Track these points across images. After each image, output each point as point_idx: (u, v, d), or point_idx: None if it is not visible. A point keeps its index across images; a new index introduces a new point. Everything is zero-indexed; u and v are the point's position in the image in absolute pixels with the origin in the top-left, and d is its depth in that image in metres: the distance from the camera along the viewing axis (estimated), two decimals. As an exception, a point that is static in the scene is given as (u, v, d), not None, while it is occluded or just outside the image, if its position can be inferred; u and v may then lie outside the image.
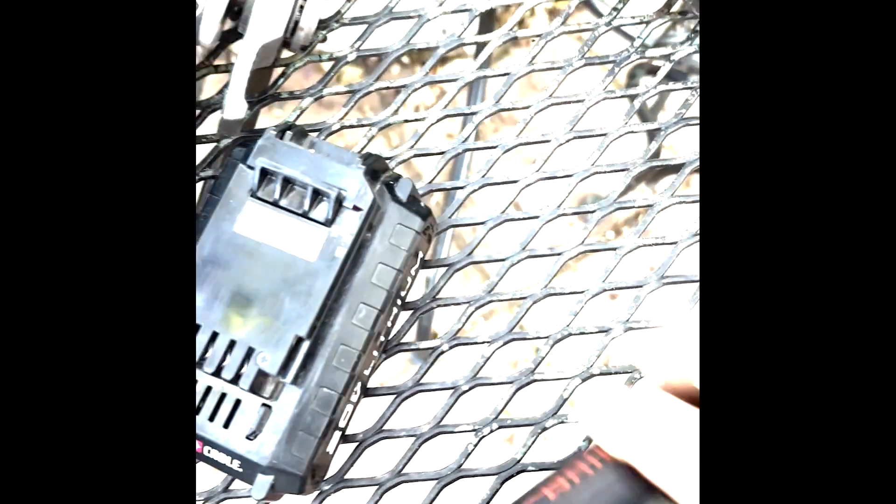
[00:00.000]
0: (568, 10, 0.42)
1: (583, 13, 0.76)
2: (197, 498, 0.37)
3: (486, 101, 0.42)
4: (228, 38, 0.42)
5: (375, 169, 0.35)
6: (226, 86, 0.41)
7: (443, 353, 0.38)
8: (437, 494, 0.36)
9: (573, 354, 0.38)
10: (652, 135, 0.41)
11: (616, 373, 0.37)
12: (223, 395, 0.33)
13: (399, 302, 0.36)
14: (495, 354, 0.38)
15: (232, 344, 0.33)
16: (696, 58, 0.62)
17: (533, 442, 0.37)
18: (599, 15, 0.43)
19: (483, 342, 0.38)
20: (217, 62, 0.43)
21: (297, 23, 0.39)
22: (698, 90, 0.41)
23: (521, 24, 0.43)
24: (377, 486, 0.37)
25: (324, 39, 0.43)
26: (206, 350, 0.33)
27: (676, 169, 0.40)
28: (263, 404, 0.33)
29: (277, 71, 0.43)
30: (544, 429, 0.37)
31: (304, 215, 0.34)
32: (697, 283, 0.38)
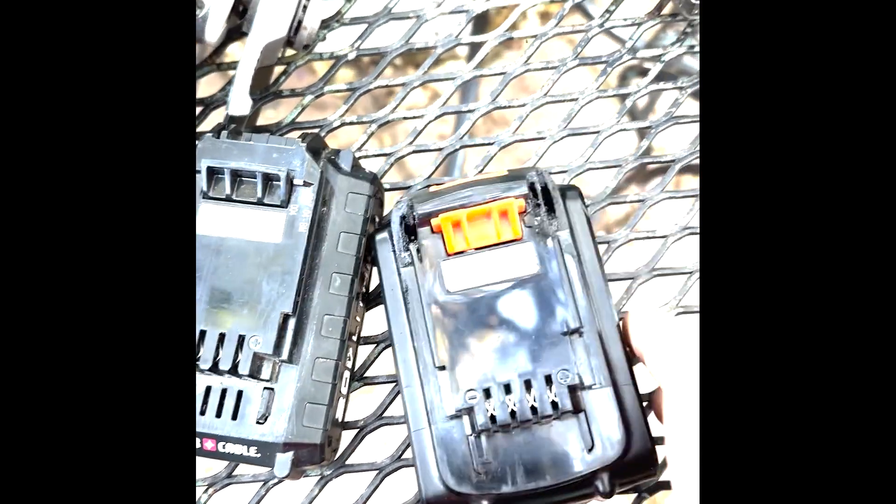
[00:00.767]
0: (562, 12, 0.44)
1: (575, 17, 0.78)
2: (200, 484, 0.38)
3: (483, 98, 0.43)
4: (233, 36, 0.43)
5: (315, 147, 0.37)
6: (229, 83, 0.43)
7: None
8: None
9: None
10: (642, 134, 0.42)
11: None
12: (224, 391, 0.34)
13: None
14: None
15: (222, 337, 0.34)
16: (686, 59, 0.63)
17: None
18: (591, 18, 0.44)
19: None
20: (220, 60, 0.44)
21: (300, 22, 0.41)
22: (688, 90, 0.42)
23: (513, 27, 0.44)
24: (378, 471, 0.38)
25: (323, 39, 0.45)
26: (197, 350, 0.34)
27: (667, 167, 0.41)
28: (265, 388, 0.34)
29: (279, 69, 0.44)
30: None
31: (260, 202, 0.35)
32: (686, 275, 0.39)
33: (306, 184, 0.35)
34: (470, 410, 0.32)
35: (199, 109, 0.43)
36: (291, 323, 0.34)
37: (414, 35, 0.44)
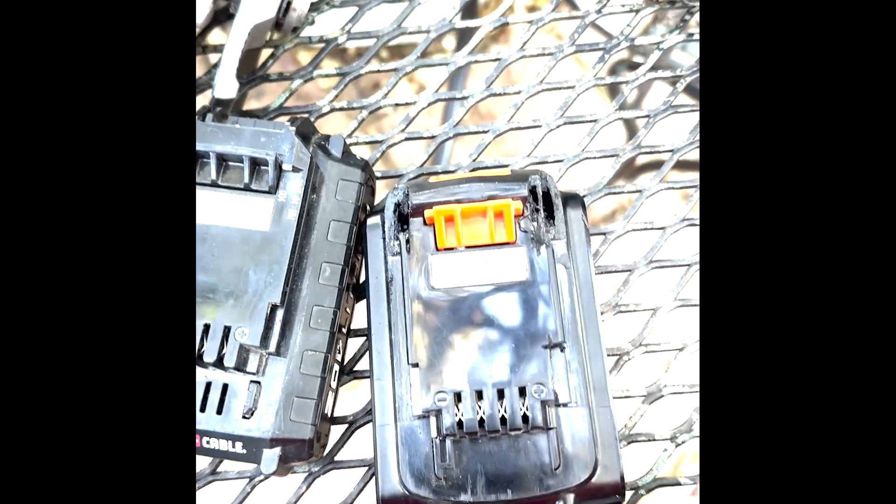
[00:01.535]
0: (556, 1, 0.43)
1: (561, 11, 0.77)
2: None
3: (472, 87, 0.42)
4: (219, 18, 0.42)
5: (305, 132, 0.35)
6: (215, 65, 0.41)
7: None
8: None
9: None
10: (630, 126, 0.41)
11: (610, 354, 0.38)
12: (209, 384, 0.33)
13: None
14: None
15: (207, 329, 0.32)
16: (674, 55, 0.63)
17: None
18: (577, 9, 0.43)
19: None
20: (205, 43, 0.43)
21: (289, 3, 0.39)
22: (687, 79, 0.41)
23: (505, 14, 0.43)
24: (367, 467, 0.36)
25: (312, 22, 0.43)
26: None
27: (661, 161, 0.40)
28: (252, 381, 0.33)
29: (266, 53, 0.43)
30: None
31: (247, 188, 0.34)
32: (685, 267, 0.39)
33: (295, 169, 0.34)
34: (438, 413, 0.31)
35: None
36: (279, 314, 0.33)
37: (406, 19, 0.43)
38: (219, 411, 0.32)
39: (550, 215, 0.33)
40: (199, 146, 0.34)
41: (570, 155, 0.40)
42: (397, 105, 0.42)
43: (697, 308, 0.38)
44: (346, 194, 0.35)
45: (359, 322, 0.38)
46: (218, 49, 0.42)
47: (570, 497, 0.30)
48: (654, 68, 0.42)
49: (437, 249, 0.33)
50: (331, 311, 0.34)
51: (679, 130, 0.41)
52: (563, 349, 0.31)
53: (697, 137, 0.40)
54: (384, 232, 0.34)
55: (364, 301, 0.38)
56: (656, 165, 0.41)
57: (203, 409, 0.32)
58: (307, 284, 0.34)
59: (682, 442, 0.37)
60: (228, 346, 0.32)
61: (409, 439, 0.31)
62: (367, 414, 0.37)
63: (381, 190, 0.38)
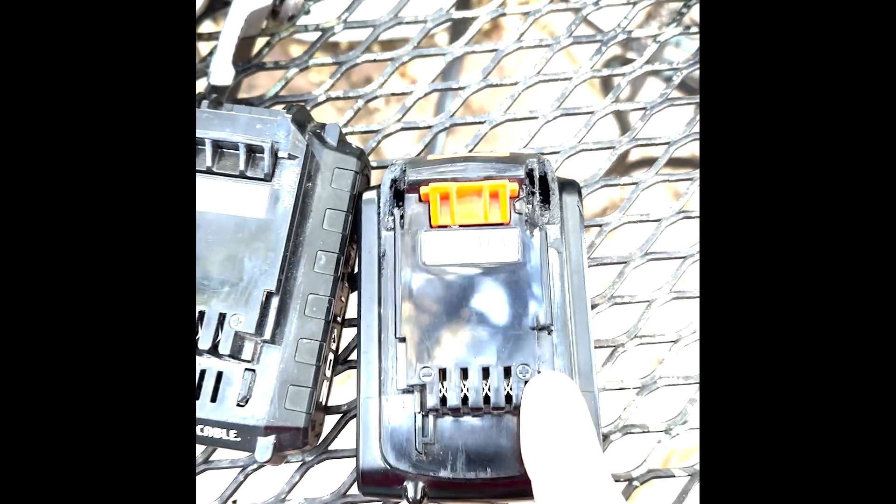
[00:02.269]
0: (556, -11, 0.43)
1: (558, 4, 0.77)
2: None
3: (467, 78, 0.42)
4: (214, 6, 0.41)
5: (300, 119, 0.35)
6: (210, 53, 0.41)
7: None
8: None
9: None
10: (627, 121, 0.41)
11: (601, 346, 0.38)
12: (203, 372, 0.32)
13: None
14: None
15: (201, 316, 0.32)
16: (666, 52, 0.63)
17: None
18: (576, 0, 0.43)
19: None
20: (200, 31, 0.42)
21: (286, -9, 0.39)
22: (683, 72, 0.41)
23: (502, 4, 0.43)
24: (361, 457, 0.36)
25: (308, 11, 0.43)
26: None
27: (658, 153, 0.40)
28: (247, 369, 0.33)
29: (261, 41, 0.42)
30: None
31: (242, 175, 0.34)
32: (680, 259, 0.39)
33: (291, 157, 0.34)
34: (422, 388, 0.31)
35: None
36: (275, 301, 0.33)
37: (403, 9, 0.42)
38: (213, 399, 0.32)
39: (546, 199, 0.33)
40: (196, 133, 0.33)
41: (566, 146, 0.40)
42: (393, 95, 0.42)
43: (692, 300, 0.38)
44: (341, 183, 0.35)
45: (353, 312, 0.38)
46: (213, 37, 0.42)
47: None
48: (649, 62, 0.42)
49: (431, 227, 0.33)
50: (326, 300, 0.34)
51: (675, 123, 0.41)
52: (550, 332, 0.31)
53: (693, 130, 0.40)
54: (379, 207, 0.34)
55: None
56: (652, 159, 0.41)
57: (197, 397, 0.32)
58: (302, 272, 0.34)
59: (677, 434, 0.37)
60: (223, 333, 0.32)
61: (392, 414, 0.31)
62: (362, 404, 0.37)
63: (377, 180, 0.38)
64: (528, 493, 0.29)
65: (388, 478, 0.31)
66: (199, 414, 0.32)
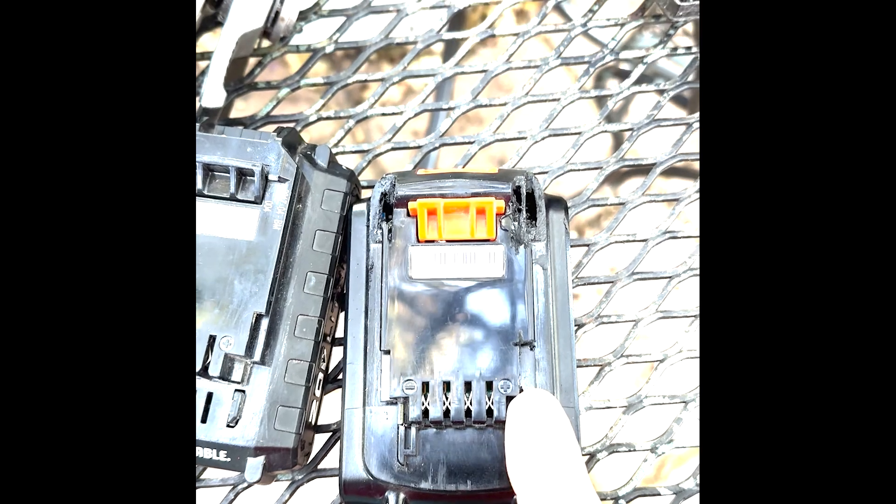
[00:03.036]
0: (545, 10, 0.43)
1: (552, 17, 0.78)
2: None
3: (458, 97, 0.42)
4: (207, 25, 0.42)
5: (291, 142, 0.36)
6: (202, 74, 0.41)
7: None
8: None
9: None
10: (617, 137, 0.42)
11: (588, 365, 0.38)
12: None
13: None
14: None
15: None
16: (662, 63, 0.63)
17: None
18: (569, 19, 0.44)
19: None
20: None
21: (277, 13, 0.39)
22: (670, 93, 0.42)
23: (491, 25, 0.43)
24: (350, 476, 0.37)
25: (300, 31, 0.44)
26: None
27: (647, 169, 0.41)
28: (236, 390, 0.33)
29: (252, 61, 0.43)
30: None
31: (233, 198, 0.34)
32: (666, 280, 0.39)
33: (281, 179, 0.34)
34: (405, 400, 0.31)
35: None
36: (264, 323, 0.33)
37: (394, 30, 0.43)
38: (203, 419, 0.33)
39: (533, 216, 0.34)
40: None
41: (554, 167, 0.41)
42: (384, 115, 0.42)
43: (678, 320, 0.39)
44: (331, 204, 0.36)
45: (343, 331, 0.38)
46: (205, 57, 0.42)
47: None
48: (638, 81, 0.42)
49: (418, 241, 0.34)
50: (315, 321, 0.34)
51: (662, 143, 0.41)
52: (532, 348, 0.32)
53: (680, 151, 0.41)
54: (369, 220, 0.34)
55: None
56: (641, 174, 0.41)
57: None
58: (292, 294, 0.34)
59: (662, 452, 0.37)
60: (213, 355, 0.32)
61: (376, 425, 0.32)
62: (351, 422, 0.37)
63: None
64: None
65: (369, 488, 0.32)
66: None
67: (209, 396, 0.33)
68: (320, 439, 0.37)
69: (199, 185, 0.34)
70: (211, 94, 0.37)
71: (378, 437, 0.32)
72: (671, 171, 0.42)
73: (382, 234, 0.34)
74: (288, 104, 0.43)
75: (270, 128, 0.40)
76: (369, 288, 0.34)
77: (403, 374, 0.31)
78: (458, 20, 0.69)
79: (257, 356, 0.33)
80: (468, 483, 0.31)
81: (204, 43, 0.43)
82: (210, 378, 0.32)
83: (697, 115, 0.41)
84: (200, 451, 0.33)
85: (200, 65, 0.42)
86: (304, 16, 0.43)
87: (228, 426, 0.33)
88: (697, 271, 0.39)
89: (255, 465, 0.33)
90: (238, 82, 0.42)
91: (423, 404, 0.31)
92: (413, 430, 0.31)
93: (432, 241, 0.33)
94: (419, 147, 0.41)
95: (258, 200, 0.34)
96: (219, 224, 0.34)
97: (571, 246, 0.39)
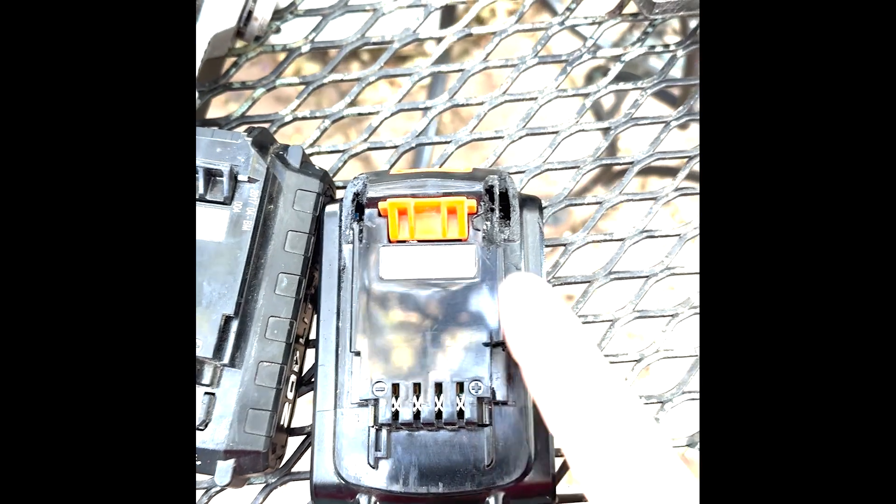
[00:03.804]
0: (522, 9, 0.43)
1: (542, 15, 0.77)
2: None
3: (442, 96, 0.42)
4: (180, 26, 0.41)
5: (262, 142, 0.35)
6: (177, 74, 0.41)
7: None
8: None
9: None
10: (605, 136, 0.41)
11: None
12: None
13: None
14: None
15: None
16: (652, 60, 0.63)
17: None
18: (556, 14, 0.43)
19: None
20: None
21: (250, 12, 0.39)
22: (649, 91, 0.42)
23: (480, 21, 0.43)
24: (324, 479, 0.36)
25: (277, 30, 0.43)
26: None
27: (627, 169, 0.41)
28: (206, 393, 0.33)
29: (229, 61, 0.43)
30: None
31: (201, 199, 0.34)
32: (643, 279, 0.39)
33: (251, 180, 0.34)
34: (376, 402, 0.31)
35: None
36: (234, 325, 0.33)
37: (372, 29, 0.43)
38: None
39: (506, 216, 0.33)
40: None
41: (531, 166, 0.40)
42: (360, 114, 0.42)
43: (655, 319, 0.38)
44: (303, 204, 0.35)
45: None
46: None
47: (500, 496, 0.31)
48: (625, 76, 0.42)
49: (390, 241, 0.33)
50: (287, 322, 0.34)
51: (640, 142, 0.41)
52: (504, 348, 0.31)
53: (658, 150, 0.41)
54: (341, 220, 0.34)
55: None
56: (619, 175, 0.41)
57: None
58: (263, 295, 0.34)
59: (639, 453, 0.37)
60: None
61: (347, 427, 0.32)
62: (325, 425, 0.37)
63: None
64: None
65: (340, 491, 0.31)
66: None
67: None
68: (294, 442, 0.37)
69: None
70: (182, 94, 0.37)
71: (349, 439, 0.31)
72: (650, 170, 0.41)
73: (354, 234, 0.33)
74: (267, 104, 0.43)
75: (245, 129, 0.40)
76: (341, 289, 0.33)
77: (374, 376, 0.31)
78: (450, 17, 0.69)
79: (226, 359, 0.33)
80: (440, 485, 0.31)
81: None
82: None
83: (674, 112, 0.41)
84: None
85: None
86: (279, 15, 0.43)
87: (198, 429, 0.32)
88: (675, 270, 0.39)
89: (224, 468, 0.32)
90: (213, 83, 0.42)
91: (393, 406, 0.31)
92: (384, 432, 0.31)
93: (404, 242, 0.33)
94: (396, 147, 0.41)
95: (227, 201, 0.34)
96: None
97: (547, 246, 0.38)
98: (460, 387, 0.31)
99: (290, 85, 0.42)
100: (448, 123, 1.04)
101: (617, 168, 0.42)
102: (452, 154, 0.41)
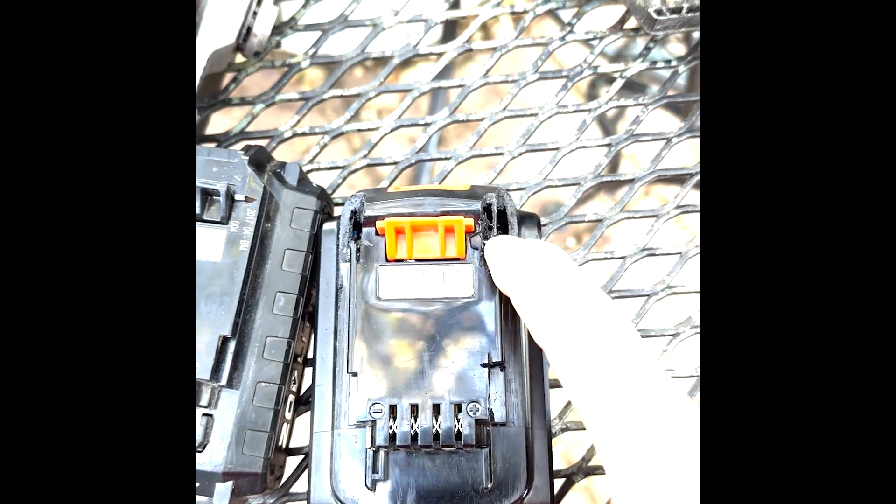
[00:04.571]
0: (523, 24, 0.43)
1: (546, 24, 0.77)
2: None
3: (442, 111, 0.42)
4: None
5: (259, 160, 0.35)
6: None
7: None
8: None
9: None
10: (610, 151, 0.41)
11: (560, 386, 0.37)
12: None
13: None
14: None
15: None
16: (655, 72, 0.63)
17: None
18: (563, 24, 0.43)
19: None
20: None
21: (249, 28, 0.39)
22: (650, 107, 0.41)
23: (485, 32, 0.43)
24: (322, 499, 0.36)
25: (278, 45, 0.43)
26: None
27: (627, 184, 0.40)
28: (204, 414, 0.32)
29: (229, 76, 0.42)
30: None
31: (198, 219, 0.34)
32: (644, 298, 0.38)
33: (248, 199, 0.34)
34: (373, 423, 0.30)
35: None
36: (231, 346, 0.33)
37: (372, 43, 0.43)
38: None
39: (504, 234, 0.33)
40: None
41: (531, 183, 0.40)
42: (360, 130, 0.41)
43: (655, 339, 0.38)
44: (301, 223, 0.35)
45: (316, 351, 0.37)
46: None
47: None
48: (631, 88, 0.42)
49: (387, 260, 0.33)
50: (285, 342, 0.34)
51: (644, 151, 0.41)
52: (503, 369, 0.31)
53: (658, 167, 0.40)
54: (339, 239, 0.34)
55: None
56: (621, 185, 0.41)
57: None
58: (260, 315, 0.34)
59: (640, 474, 0.36)
60: None
61: (344, 448, 0.31)
62: (324, 444, 0.37)
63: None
64: None
65: None
66: None
67: None
68: (293, 462, 0.36)
69: None
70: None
71: (347, 460, 0.31)
72: (655, 180, 0.41)
73: (351, 253, 0.33)
74: (267, 120, 0.43)
75: (243, 146, 0.40)
76: (338, 308, 0.33)
77: (371, 397, 0.31)
78: (452, 30, 0.69)
79: (224, 380, 0.32)
80: None
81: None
82: None
83: (676, 129, 0.41)
84: None
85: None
86: (279, 30, 0.43)
87: (196, 451, 0.32)
88: (676, 289, 0.38)
89: (223, 490, 0.32)
90: (213, 98, 0.42)
91: (390, 428, 0.30)
92: (381, 454, 0.31)
93: (401, 261, 0.33)
94: (395, 163, 0.41)
95: (224, 221, 0.34)
96: None
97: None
98: (458, 408, 0.30)
99: (289, 101, 0.42)
100: (451, 131, 1.03)
101: (616, 184, 0.42)
102: (453, 170, 0.41)
